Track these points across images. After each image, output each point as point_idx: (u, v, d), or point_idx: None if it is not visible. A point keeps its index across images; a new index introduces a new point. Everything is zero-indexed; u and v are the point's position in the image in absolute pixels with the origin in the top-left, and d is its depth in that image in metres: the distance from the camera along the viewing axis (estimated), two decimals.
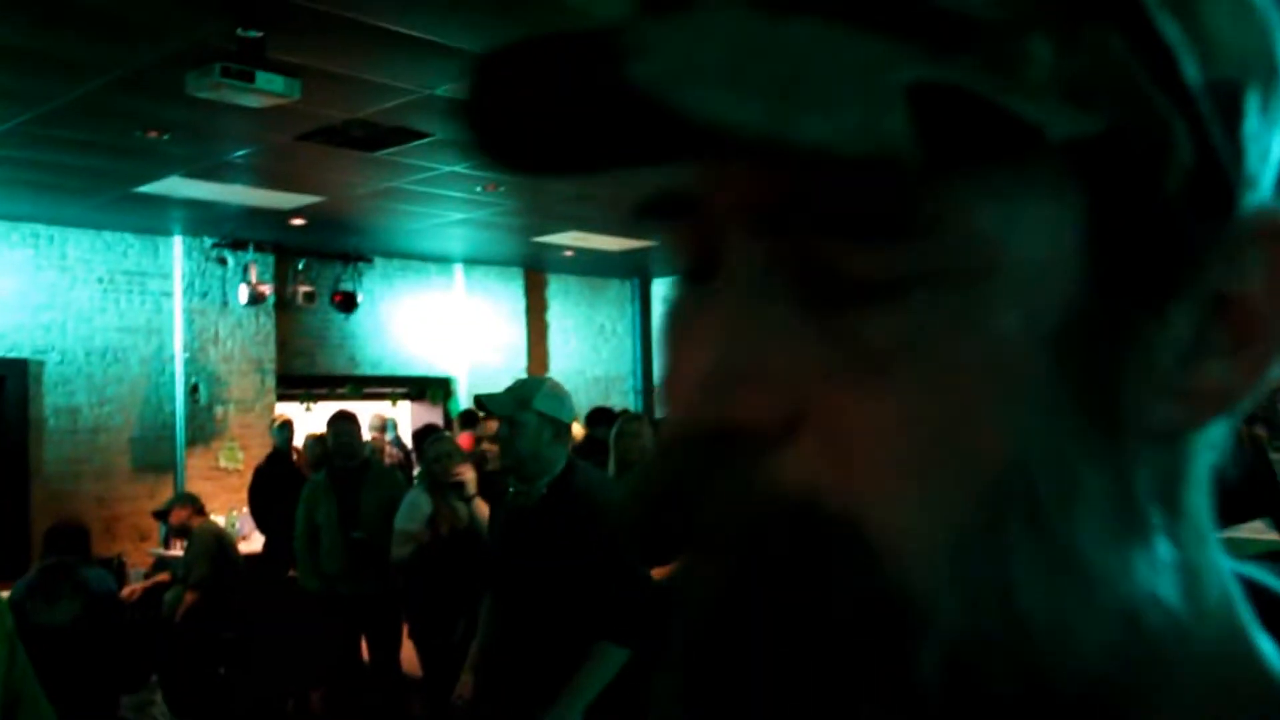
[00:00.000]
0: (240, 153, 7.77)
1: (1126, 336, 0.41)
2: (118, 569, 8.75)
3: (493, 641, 4.31)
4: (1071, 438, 0.40)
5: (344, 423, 7.22)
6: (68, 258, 10.12)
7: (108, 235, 10.34)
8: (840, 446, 0.40)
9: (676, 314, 0.46)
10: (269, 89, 5.17)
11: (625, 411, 7.40)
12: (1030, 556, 0.39)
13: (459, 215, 10.24)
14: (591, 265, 13.68)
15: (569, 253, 12.62)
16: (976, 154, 0.37)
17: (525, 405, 3.88)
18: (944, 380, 0.40)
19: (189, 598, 7.35)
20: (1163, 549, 0.42)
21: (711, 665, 0.42)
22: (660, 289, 15.35)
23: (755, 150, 0.35)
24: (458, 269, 13.15)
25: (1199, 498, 0.45)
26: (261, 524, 8.83)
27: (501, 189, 9.22)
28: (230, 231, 10.60)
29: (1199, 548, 0.44)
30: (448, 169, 8.36)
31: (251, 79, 5.15)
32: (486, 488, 6.57)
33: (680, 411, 0.43)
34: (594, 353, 14.63)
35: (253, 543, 8.76)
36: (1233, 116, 0.41)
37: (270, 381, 11.40)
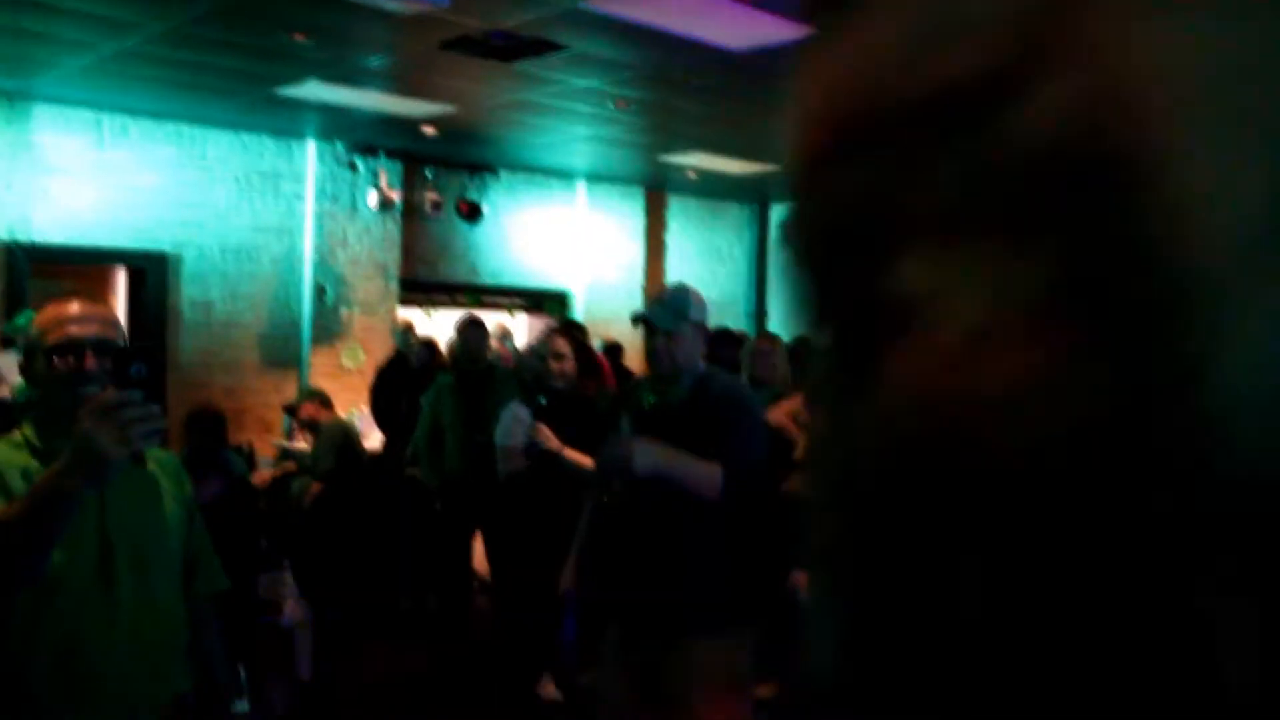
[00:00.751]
0: (378, 59, 7.79)
1: None
2: (248, 457, 8.94)
3: (599, 540, 4.37)
4: None
5: (473, 328, 7.32)
6: (207, 157, 10.24)
7: (245, 136, 10.43)
8: (1112, 79, 0.31)
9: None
10: None
11: (761, 330, 7.28)
12: None
13: (587, 130, 10.19)
14: (712, 188, 13.57)
15: (691, 174, 12.52)
16: None
17: (682, 316, 3.91)
18: None
19: (315, 488, 7.50)
20: None
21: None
22: (779, 214, 15.21)
23: None
24: (580, 185, 13.12)
25: None
26: (382, 423, 8.97)
27: (633, 107, 9.14)
28: (363, 137, 10.66)
29: None
30: (582, 83, 8.30)
31: None
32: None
33: (858, 99, 0.36)
34: (710, 275, 14.50)
35: (371, 441, 8.88)
36: None
37: (394, 286, 11.50)
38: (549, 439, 4.60)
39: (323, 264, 10.91)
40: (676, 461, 3.73)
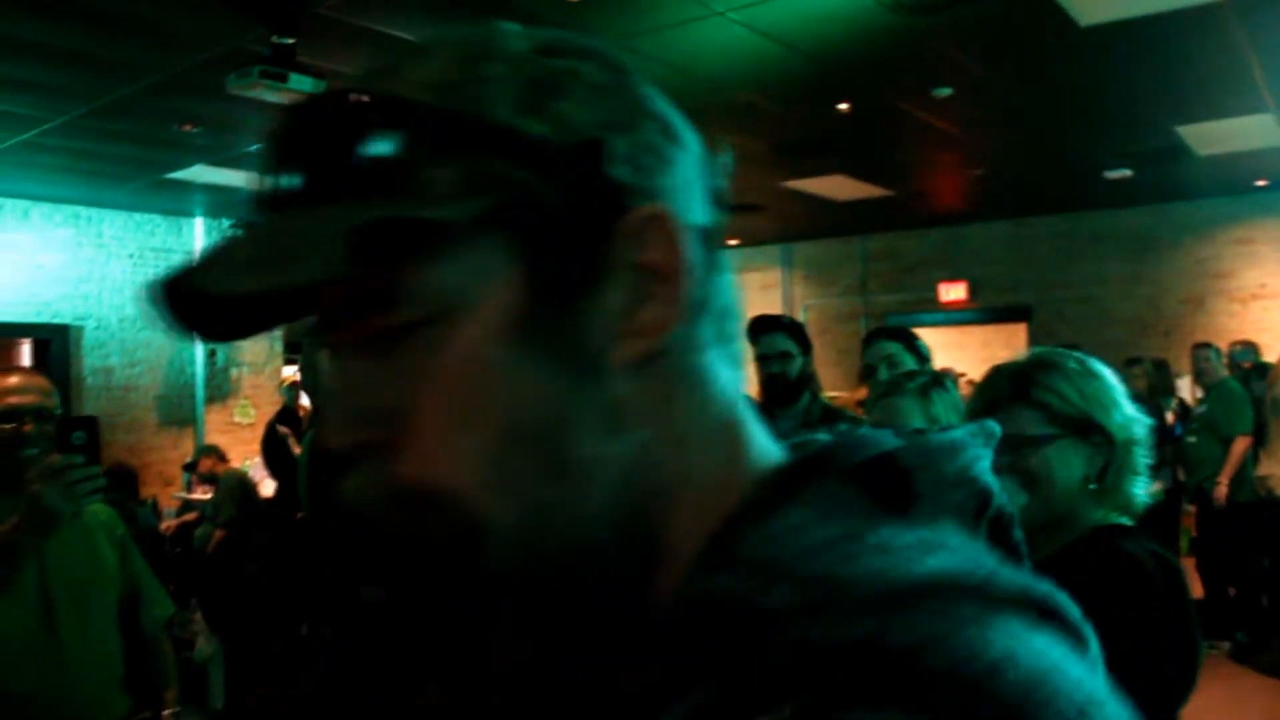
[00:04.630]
0: (259, 143, 7.81)
1: (572, 311, 0.56)
2: (153, 508, 8.83)
3: None
4: (554, 394, 0.55)
5: None
6: (103, 236, 10.14)
7: (138, 216, 10.35)
8: (417, 442, 0.56)
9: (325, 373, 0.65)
10: (299, 88, 5.25)
11: None
12: (543, 471, 0.55)
13: None
14: None
15: None
16: (413, 247, 0.54)
17: None
18: (455, 377, 0.55)
19: (218, 534, 7.46)
20: (652, 433, 0.57)
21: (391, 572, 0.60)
22: None
23: (259, 298, 0.53)
24: None
25: (698, 391, 0.60)
26: (273, 472, 8.92)
27: None
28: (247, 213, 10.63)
29: (695, 421, 0.59)
30: None
31: (285, 80, 5.23)
32: None
33: (340, 449, 0.59)
34: None
35: (265, 488, 8.84)
36: (595, 160, 0.56)
37: (279, 347, 11.45)
38: None
39: None
40: None
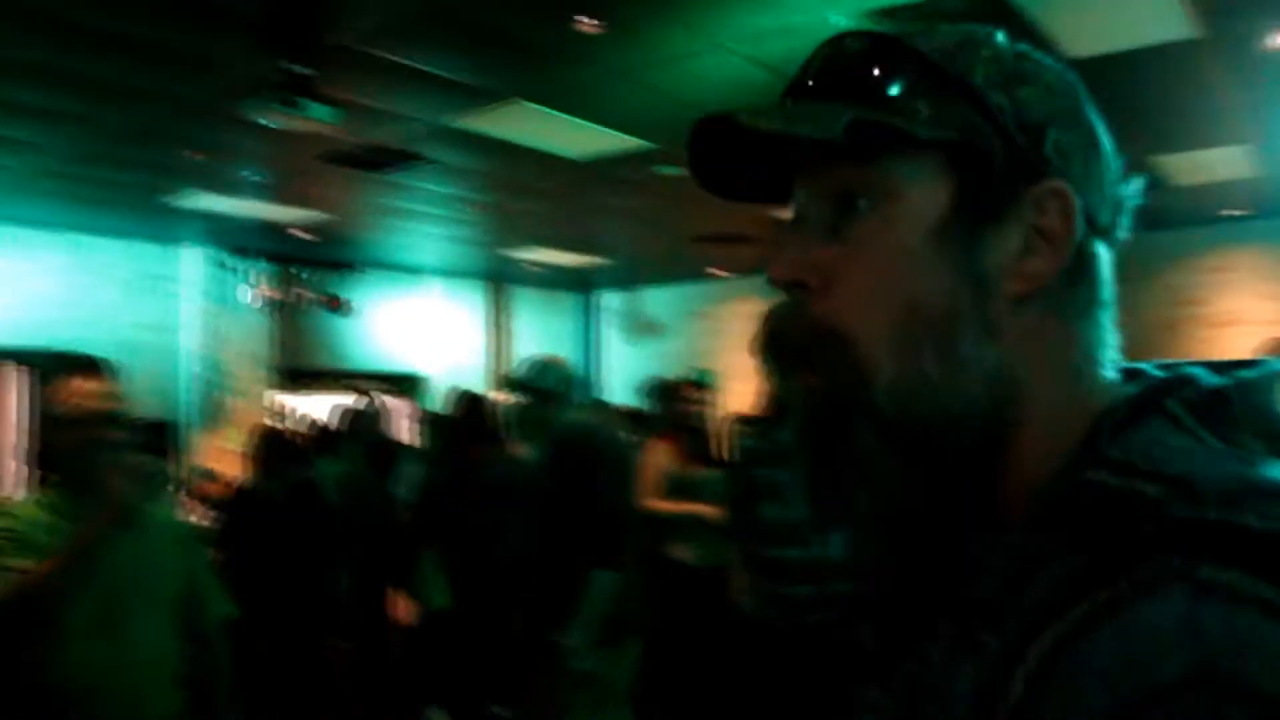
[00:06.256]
0: (257, 171, 7.95)
1: (980, 239, 0.75)
2: None
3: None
4: (953, 294, 0.74)
5: (374, 405, 7.63)
6: (97, 262, 10.25)
7: (131, 242, 10.46)
8: (838, 293, 0.77)
9: (778, 240, 0.85)
10: (316, 116, 5.40)
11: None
12: (931, 349, 0.74)
13: (442, 231, 10.45)
14: (548, 279, 13.95)
15: (532, 266, 12.89)
16: (888, 144, 0.75)
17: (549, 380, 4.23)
18: (885, 253, 0.76)
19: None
20: (1017, 356, 0.75)
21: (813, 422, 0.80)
22: (607, 300, 15.62)
23: (781, 136, 0.76)
24: (432, 279, 13.39)
25: (1060, 334, 0.77)
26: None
27: (482, 209, 9.47)
28: (240, 241, 10.74)
29: (1051, 357, 0.76)
30: (441, 190, 8.60)
31: (299, 105, 5.38)
32: None
33: (777, 280, 0.79)
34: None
35: None
36: (1038, 138, 0.76)
37: (268, 374, 11.56)
38: None
39: (203, 356, 10.91)
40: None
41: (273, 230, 10.06)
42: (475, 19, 5.10)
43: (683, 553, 5.59)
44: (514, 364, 13.79)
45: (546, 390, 4.46)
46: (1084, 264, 0.77)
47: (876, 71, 0.77)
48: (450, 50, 5.54)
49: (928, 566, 0.78)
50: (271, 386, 11.59)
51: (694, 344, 13.84)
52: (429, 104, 6.35)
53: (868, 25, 5.15)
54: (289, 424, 10.44)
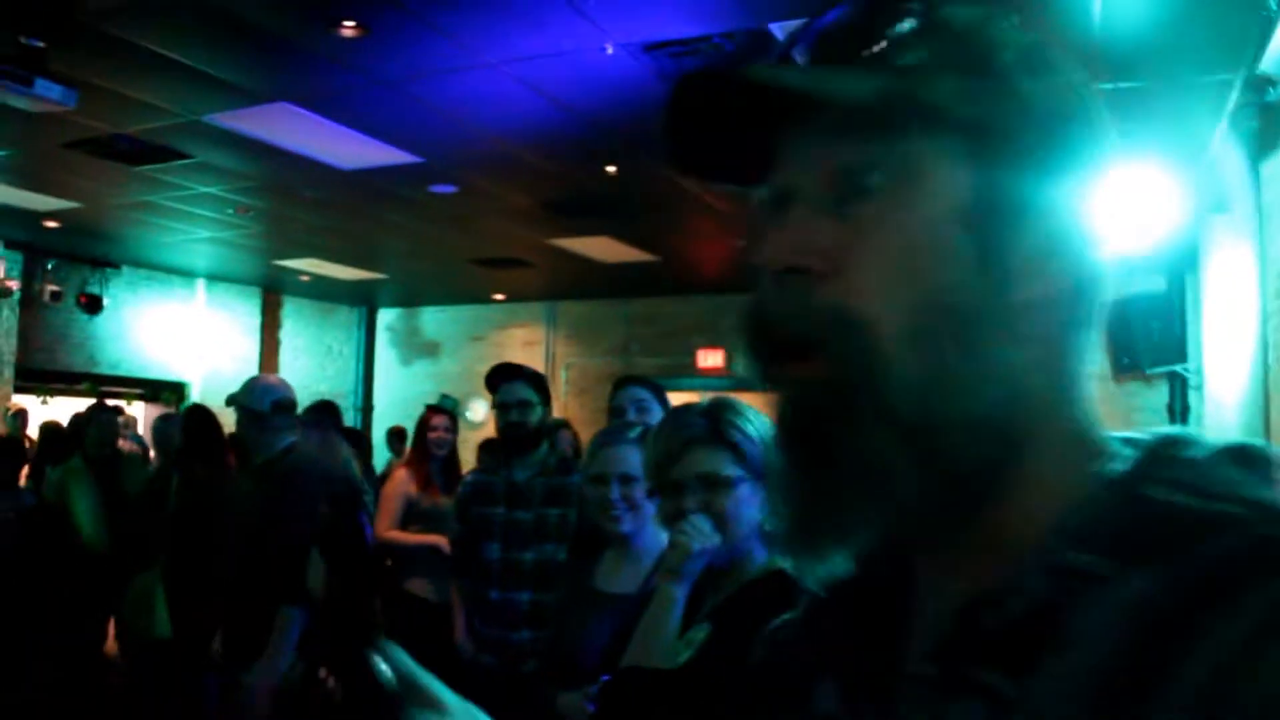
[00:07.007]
0: (2, 153, 7.42)
1: (1003, 232, 0.69)
2: None
3: None
4: (977, 288, 0.67)
5: (109, 413, 7.02)
6: None
7: None
8: (852, 277, 0.68)
9: (761, 223, 0.74)
10: (46, 95, 5.02)
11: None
12: (953, 344, 0.66)
13: (208, 233, 9.97)
14: (324, 291, 13.55)
15: (305, 278, 12.47)
16: (910, 118, 0.68)
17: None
18: (908, 234, 0.68)
19: None
20: (1035, 364, 0.69)
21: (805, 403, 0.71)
22: (385, 318, 15.28)
23: (803, 93, 0.69)
24: (200, 283, 12.79)
25: (1070, 350, 0.72)
26: None
27: (251, 214, 9.08)
28: None
29: (1063, 373, 0.71)
30: (204, 189, 8.19)
31: (31, 84, 4.99)
32: None
33: (773, 265, 0.71)
34: (320, 370, 14.44)
35: None
36: (1061, 131, 0.71)
37: (9, 373, 10.76)
38: None
39: None
40: None
41: (21, 218, 9.40)
42: (232, 11, 4.82)
43: (419, 587, 5.38)
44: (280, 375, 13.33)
45: (256, 411, 4.21)
46: (1093, 274, 0.73)
47: (905, 42, 0.70)
48: (209, 43, 5.25)
49: (903, 594, 0.75)
50: (12, 387, 10.81)
51: (470, 367, 13.63)
52: (186, 98, 6.01)
53: (643, 58, 5.10)
54: (24, 429, 9.79)
